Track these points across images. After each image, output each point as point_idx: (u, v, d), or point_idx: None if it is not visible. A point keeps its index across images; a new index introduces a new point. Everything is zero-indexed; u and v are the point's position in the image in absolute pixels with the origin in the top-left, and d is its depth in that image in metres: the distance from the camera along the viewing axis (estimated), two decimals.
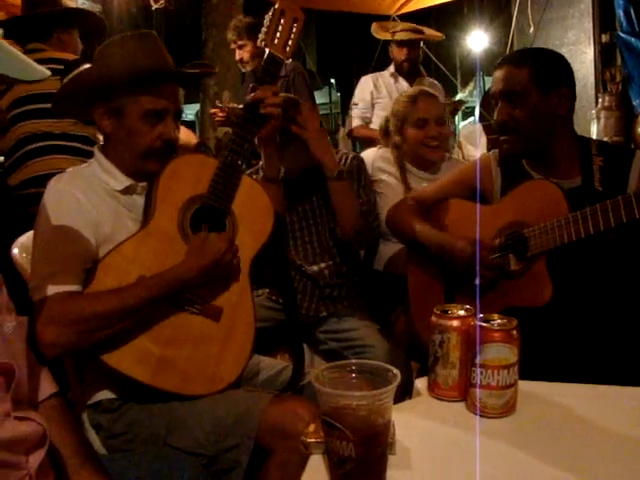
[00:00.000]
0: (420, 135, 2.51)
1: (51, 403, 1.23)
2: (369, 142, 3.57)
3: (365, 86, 4.11)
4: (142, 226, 1.52)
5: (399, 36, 4.02)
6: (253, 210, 1.62)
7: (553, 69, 1.76)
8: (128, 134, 1.54)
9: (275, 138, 1.81)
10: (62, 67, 2.49)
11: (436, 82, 4.19)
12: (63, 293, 1.39)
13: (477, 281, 1.69)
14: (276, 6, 1.66)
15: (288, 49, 1.66)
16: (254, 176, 2.02)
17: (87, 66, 2.55)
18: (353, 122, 4.11)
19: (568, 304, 1.63)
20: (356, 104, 4.10)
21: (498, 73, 1.78)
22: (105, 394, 1.51)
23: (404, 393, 1.47)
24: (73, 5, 2.99)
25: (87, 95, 1.55)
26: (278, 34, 1.64)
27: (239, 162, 1.58)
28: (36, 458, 1.04)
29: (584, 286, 1.65)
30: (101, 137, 2.69)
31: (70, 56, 2.57)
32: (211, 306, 1.52)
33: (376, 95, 4.05)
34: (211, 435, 1.39)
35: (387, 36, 4.12)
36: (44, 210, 1.47)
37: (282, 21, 1.65)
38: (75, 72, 2.32)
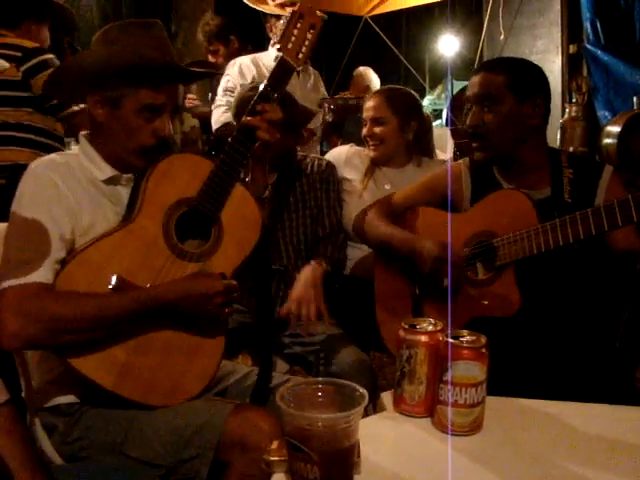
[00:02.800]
0: (363, 133, 2.56)
1: (2, 412, 1.18)
2: None
3: (245, 69, 3.24)
4: (124, 223, 1.46)
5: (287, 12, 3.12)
6: (241, 220, 1.56)
7: (530, 79, 1.76)
8: (122, 127, 1.48)
9: (266, 157, 1.73)
10: (20, 54, 2.41)
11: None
12: (36, 285, 1.32)
13: (448, 283, 1.67)
14: (295, 9, 1.60)
15: (301, 56, 1.59)
16: None
17: (50, 56, 2.48)
18: (220, 116, 3.20)
19: (536, 315, 1.63)
20: (231, 90, 3.22)
21: (475, 78, 1.78)
22: (63, 398, 1.46)
23: (368, 400, 1.45)
24: None
25: (83, 80, 1.48)
26: (293, 39, 1.58)
27: (234, 168, 1.52)
28: None
29: (552, 297, 1.65)
30: (60, 129, 2.62)
31: (29, 44, 2.48)
32: (184, 319, 1.45)
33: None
34: (169, 445, 1.35)
35: (271, 9, 3.31)
36: (20, 195, 1.42)
37: (299, 25, 1.58)
38: (30, 63, 2.25)
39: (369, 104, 2.54)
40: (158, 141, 1.49)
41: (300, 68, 1.59)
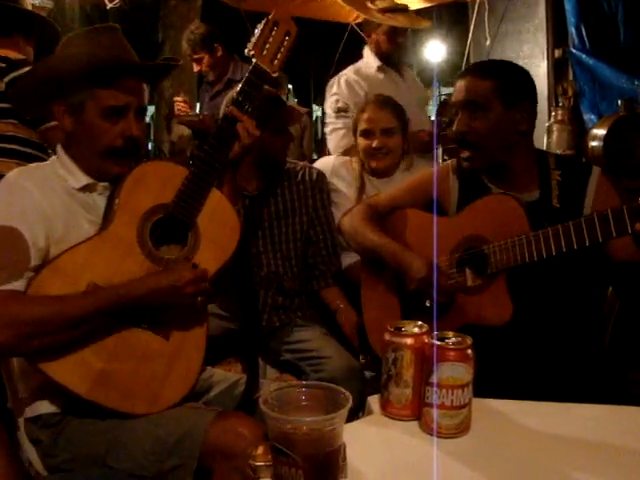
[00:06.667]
0: (366, 145, 2.50)
1: None
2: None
3: (353, 84, 3.08)
4: (99, 230, 1.46)
5: (397, 22, 3.16)
6: (218, 225, 1.55)
7: (518, 84, 1.72)
8: (88, 132, 1.47)
9: (239, 162, 1.72)
10: (4, 65, 2.39)
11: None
12: (5, 292, 1.32)
13: (433, 303, 1.63)
14: (270, 17, 1.60)
15: (276, 62, 1.60)
16: None
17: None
18: (340, 138, 2.98)
19: (526, 322, 1.62)
20: (344, 110, 3.01)
21: (461, 82, 1.73)
22: (46, 408, 1.44)
23: (358, 406, 1.44)
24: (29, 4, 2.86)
25: (45, 90, 1.48)
26: (268, 45, 1.58)
27: (210, 174, 1.52)
28: None
29: (543, 305, 1.63)
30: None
31: (14, 55, 2.46)
32: (161, 322, 1.44)
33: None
34: (152, 456, 1.34)
35: (373, 15, 3.22)
36: None
37: (273, 33, 1.59)
38: (11, 75, 2.26)
39: (375, 115, 2.49)
40: (126, 142, 1.48)
41: (276, 74, 1.61)
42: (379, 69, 3.23)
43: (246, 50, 1.60)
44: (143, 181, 1.50)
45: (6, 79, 2.37)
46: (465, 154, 1.75)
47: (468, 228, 1.72)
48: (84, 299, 1.34)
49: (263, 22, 1.60)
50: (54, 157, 1.56)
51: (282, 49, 1.60)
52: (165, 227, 1.50)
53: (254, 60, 1.58)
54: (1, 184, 1.44)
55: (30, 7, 2.80)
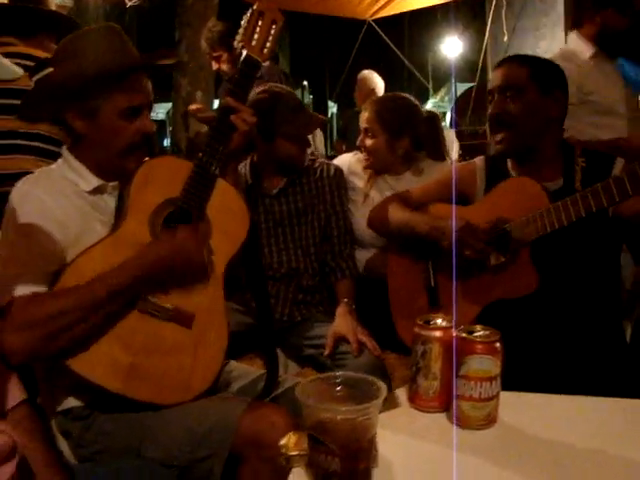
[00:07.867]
0: (357, 143, 2.53)
1: (20, 411, 1.20)
2: None
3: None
4: (113, 230, 1.49)
5: None
6: (228, 214, 1.59)
7: (552, 73, 1.82)
8: (106, 134, 1.50)
9: (240, 154, 1.77)
10: (33, 64, 2.43)
11: None
12: (26, 296, 1.35)
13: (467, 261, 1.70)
14: (255, 7, 1.63)
15: (266, 51, 1.64)
16: None
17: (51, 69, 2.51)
18: None
19: (549, 298, 1.66)
20: None
21: (498, 71, 1.82)
22: (76, 401, 1.47)
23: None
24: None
25: (57, 97, 1.50)
26: (256, 35, 1.62)
27: (213, 165, 1.55)
28: (6, 471, 1.00)
29: (566, 274, 1.68)
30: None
31: (41, 53, 2.50)
32: (182, 312, 1.48)
33: (584, 90, 2.52)
34: (184, 446, 1.36)
35: None
36: (9, 212, 1.45)
37: (260, 23, 1.63)
38: (42, 73, 2.29)
39: (363, 114, 2.50)
40: (143, 138, 1.52)
41: (267, 63, 1.65)
42: (594, 57, 2.68)
43: (235, 42, 1.64)
44: (151, 178, 1.53)
45: (35, 78, 2.41)
46: (498, 137, 1.80)
47: (490, 213, 1.77)
48: (96, 283, 1.36)
49: (248, 13, 1.63)
50: (60, 161, 1.58)
51: (270, 38, 1.63)
52: (176, 221, 1.53)
53: (244, 51, 1.62)
54: (13, 195, 1.46)
55: (54, 7, 2.83)
